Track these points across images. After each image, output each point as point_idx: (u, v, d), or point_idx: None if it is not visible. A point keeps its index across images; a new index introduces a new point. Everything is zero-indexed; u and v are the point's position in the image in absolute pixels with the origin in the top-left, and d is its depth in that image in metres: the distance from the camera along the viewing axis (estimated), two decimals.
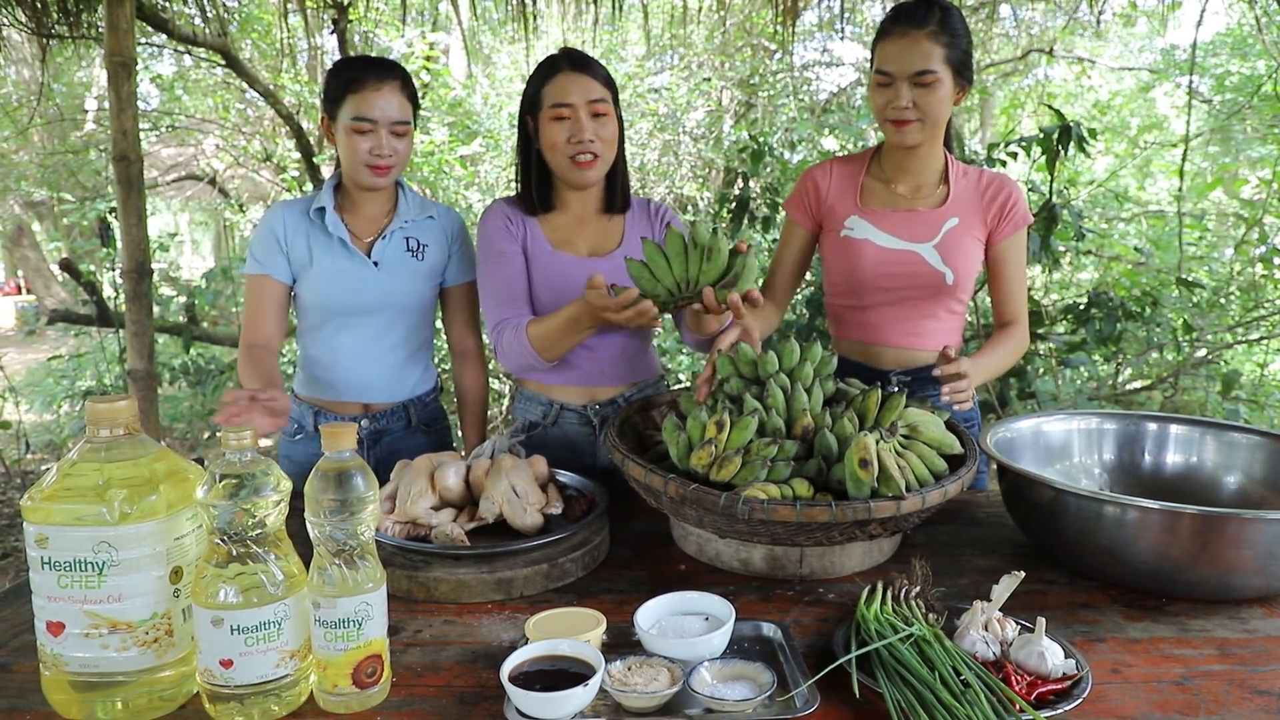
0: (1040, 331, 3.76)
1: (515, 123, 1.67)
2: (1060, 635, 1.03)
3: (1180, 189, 5.03)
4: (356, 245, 1.73)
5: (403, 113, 1.66)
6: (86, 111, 7.86)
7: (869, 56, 1.68)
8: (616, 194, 1.72)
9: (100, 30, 3.62)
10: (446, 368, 4.19)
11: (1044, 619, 1.00)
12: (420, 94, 5.49)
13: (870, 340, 1.75)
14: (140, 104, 3.58)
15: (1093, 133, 3.16)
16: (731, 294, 1.31)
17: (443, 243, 1.80)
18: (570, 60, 1.61)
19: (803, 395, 1.32)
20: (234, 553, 0.90)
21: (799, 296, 3.82)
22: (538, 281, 1.67)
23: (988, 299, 4.23)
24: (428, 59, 5.40)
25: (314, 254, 1.71)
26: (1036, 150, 3.21)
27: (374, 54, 5.29)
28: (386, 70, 1.66)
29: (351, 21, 4.93)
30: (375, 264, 1.73)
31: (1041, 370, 3.98)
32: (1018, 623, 1.05)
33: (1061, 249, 3.59)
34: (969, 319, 3.25)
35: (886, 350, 1.73)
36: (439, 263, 1.80)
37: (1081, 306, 3.63)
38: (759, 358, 1.38)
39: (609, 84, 1.63)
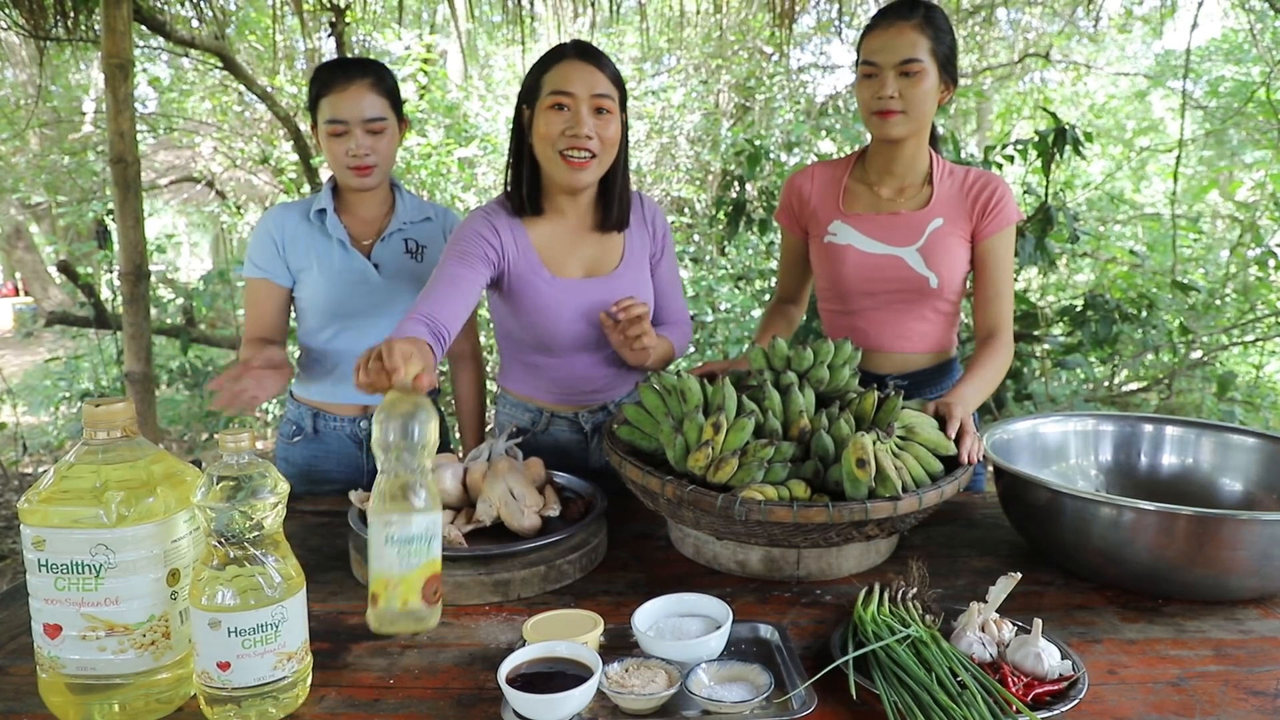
0: (1037, 333, 3.77)
1: (512, 126, 1.62)
2: (1057, 636, 1.03)
3: (1174, 192, 5.06)
4: (356, 247, 1.73)
5: (376, 109, 1.63)
6: (84, 114, 7.85)
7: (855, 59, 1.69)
8: (613, 210, 1.57)
9: (97, 32, 3.62)
10: (442, 370, 4.19)
11: (1040, 620, 1.00)
12: (418, 95, 5.52)
13: (861, 345, 1.76)
14: (137, 106, 3.58)
15: (1089, 136, 3.17)
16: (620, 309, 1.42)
17: (441, 244, 1.80)
18: (578, 50, 1.48)
19: (799, 397, 1.32)
20: (231, 555, 0.90)
21: None
22: (529, 306, 1.56)
23: None
24: (425, 61, 5.40)
25: (314, 257, 1.71)
26: (1033, 153, 3.22)
27: (372, 56, 5.29)
28: (356, 69, 1.63)
29: (349, 24, 4.93)
30: (375, 266, 1.73)
31: (1038, 372, 4.00)
32: (1014, 624, 1.05)
33: (1057, 251, 3.60)
34: (965, 320, 3.26)
35: (878, 355, 1.73)
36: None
37: (1078, 309, 3.64)
38: (794, 353, 1.40)
39: (617, 81, 1.50)
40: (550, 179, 1.53)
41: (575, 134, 1.44)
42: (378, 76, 1.65)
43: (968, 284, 1.73)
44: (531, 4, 3.96)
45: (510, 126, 1.60)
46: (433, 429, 0.97)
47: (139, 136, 3.07)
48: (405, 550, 0.93)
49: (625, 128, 1.54)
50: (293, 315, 1.83)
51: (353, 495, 1.39)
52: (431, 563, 0.95)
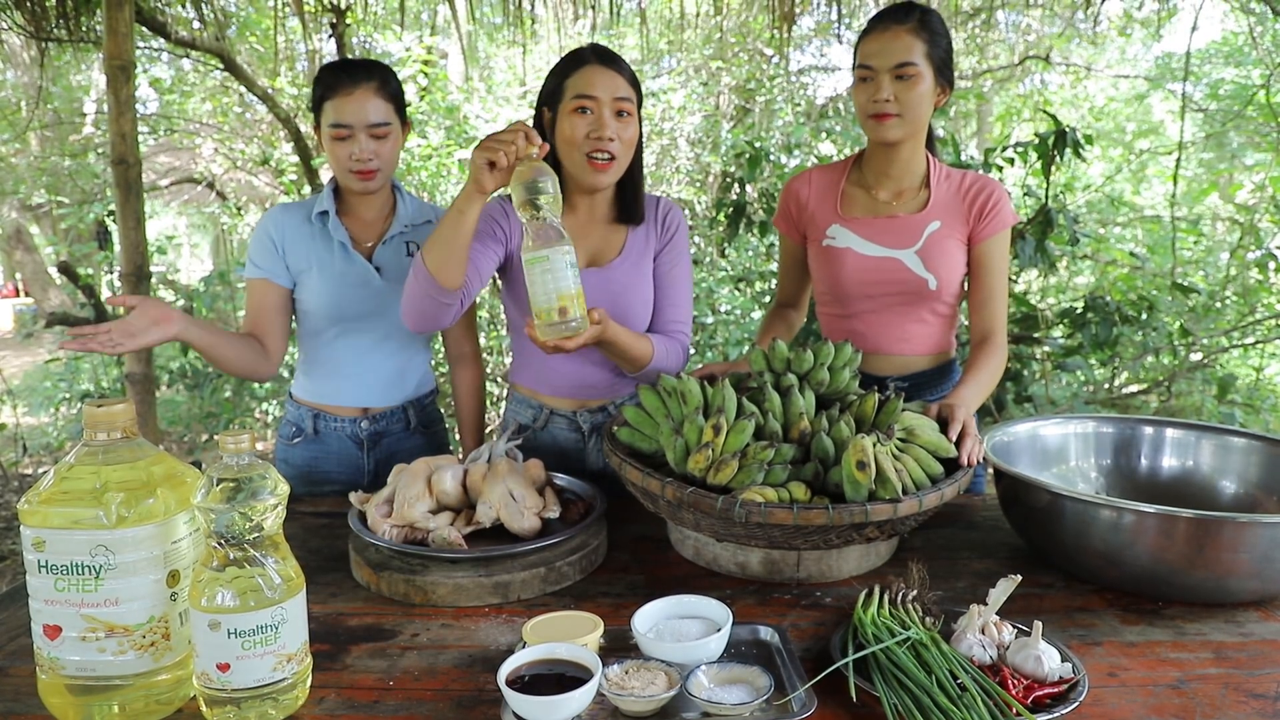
0: (1037, 336, 3.78)
1: (533, 128, 1.60)
2: (1057, 639, 1.03)
3: (1174, 194, 5.06)
4: (358, 250, 1.73)
5: (380, 114, 1.62)
6: (85, 115, 7.85)
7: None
8: (631, 206, 1.63)
9: (99, 34, 3.62)
10: (443, 370, 4.19)
11: (1040, 622, 1.00)
12: (419, 97, 5.53)
13: (860, 347, 1.75)
14: (138, 107, 3.58)
15: (1088, 138, 3.18)
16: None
17: None
18: (598, 55, 1.53)
19: (799, 399, 1.32)
20: (231, 556, 0.90)
21: None
22: (525, 291, 1.55)
23: None
24: (425, 63, 5.40)
25: (316, 259, 1.71)
26: (1033, 156, 3.22)
27: (372, 58, 5.29)
28: (362, 72, 1.62)
29: (350, 25, 4.94)
30: (377, 269, 1.73)
31: (1038, 374, 4.00)
32: (1014, 626, 1.05)
33: (1057, 253, 3.60)
34: (965, 322, 3.26)
35: (877, 357, 1.73)
36: None
37: (1078, 311, 3.64)
38: (794, 355, 1.41)
39: (635, 84, 1.55)
40: (571, 179, 1.58)
41: (599, 136, 1.50)
42: (383, 80, 1.64)
43: (966, 286, 1.73)
44: (532, 6, 3.97)
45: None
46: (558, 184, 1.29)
47: (140, 138, 3.07)
48: (577, 272, 1.26)
49: (641, 127, 1.59)
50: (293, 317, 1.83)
51: (353, 496, 1.39)
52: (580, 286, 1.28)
